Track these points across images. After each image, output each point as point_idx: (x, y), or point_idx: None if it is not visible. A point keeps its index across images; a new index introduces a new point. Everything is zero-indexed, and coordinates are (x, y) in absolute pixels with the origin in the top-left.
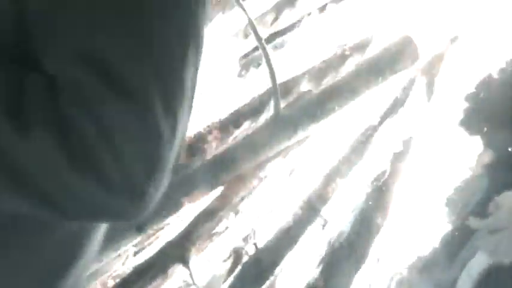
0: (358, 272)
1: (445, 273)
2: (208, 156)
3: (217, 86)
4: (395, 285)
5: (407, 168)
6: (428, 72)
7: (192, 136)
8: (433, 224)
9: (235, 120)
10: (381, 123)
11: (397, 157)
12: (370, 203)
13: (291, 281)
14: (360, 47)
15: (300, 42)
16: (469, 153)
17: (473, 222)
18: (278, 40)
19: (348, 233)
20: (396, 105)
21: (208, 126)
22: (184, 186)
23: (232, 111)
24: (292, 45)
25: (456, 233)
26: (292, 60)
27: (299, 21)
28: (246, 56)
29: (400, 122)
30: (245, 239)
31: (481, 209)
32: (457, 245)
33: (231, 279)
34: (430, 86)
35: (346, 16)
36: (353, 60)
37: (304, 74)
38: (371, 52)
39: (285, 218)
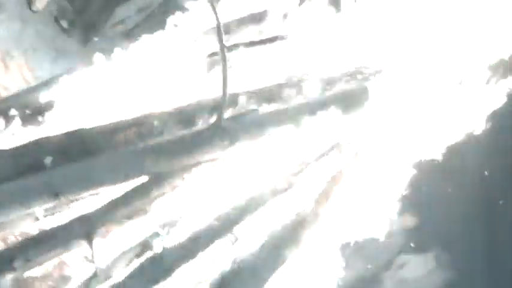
0: None
1: None
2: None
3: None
4: None
5: (329, 209)
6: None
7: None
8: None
9: (179, 115)
10: (314, 160)
11: (322, 196)
12: (284, 233)
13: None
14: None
15: (261, 59)
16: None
17: None
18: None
19: (254, 256)
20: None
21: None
22: (112, 166)
23: (179, 106)
24: (253, 60)
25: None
26: (246, 75)
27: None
28: (213, 54)
29: (331, 162)
30: (155, 235)
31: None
32: None
33: (131, 268)
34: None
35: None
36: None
37: (254, 92)
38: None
39: (199, 225)
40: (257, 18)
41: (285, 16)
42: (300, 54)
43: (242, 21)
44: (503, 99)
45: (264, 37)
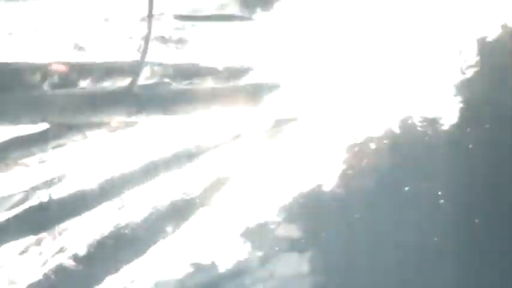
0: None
1: None
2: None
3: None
4: None
5: (220, 196)
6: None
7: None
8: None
9: (94, 71)
10: (214, 146)
11: (215, 183)
12: (169, 210)
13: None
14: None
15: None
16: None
17: None
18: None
19: (137, 225)
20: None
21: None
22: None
23: (96, 62)
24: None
25: None
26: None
27: None
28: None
29: (231, 151)
30: (44, 185)
31: None
32: None
33: (13, 212)
34: None
35: None
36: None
37: (173, 66)
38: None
39: (89, 184)
40: None
41: None
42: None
43: None
44: None
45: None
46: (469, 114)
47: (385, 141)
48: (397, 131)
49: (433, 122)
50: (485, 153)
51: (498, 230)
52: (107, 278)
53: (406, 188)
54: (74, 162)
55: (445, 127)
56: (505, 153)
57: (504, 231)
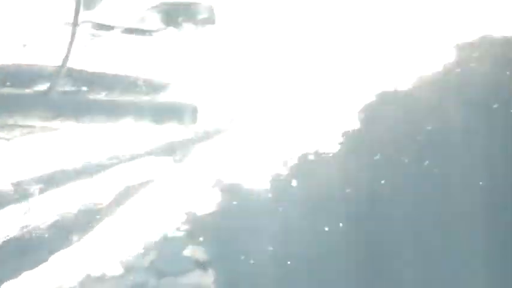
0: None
1: None
2: None
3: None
4: None
5: (128, 209)
6: None
7: None
8: None
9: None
10: (127, 159)
11: (122, 196)
12: (75, 219)
13: None
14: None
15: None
16: None
17: None
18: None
19: (43, 230)
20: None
21: None
22: None
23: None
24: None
25: None
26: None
27: None
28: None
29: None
30: None
31: None
32: None
33: None
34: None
35: None
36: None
37: (94, 75)
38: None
39: None
40: None
41: None
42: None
43: None
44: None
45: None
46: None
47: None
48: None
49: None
50: None
51: None
52: (5, 282)
53: None
54: None
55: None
56: None
57: None
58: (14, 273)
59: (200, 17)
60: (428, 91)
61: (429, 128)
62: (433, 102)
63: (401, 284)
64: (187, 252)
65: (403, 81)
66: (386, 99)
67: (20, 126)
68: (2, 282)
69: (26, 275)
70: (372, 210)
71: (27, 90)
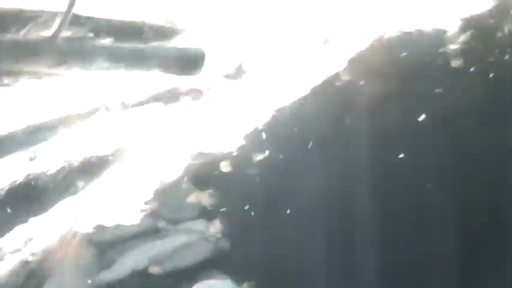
0: None
1: None
2: None
3: None
4: None
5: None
6: None
7: None
8: None
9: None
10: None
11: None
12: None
13: None
14: None
15: None
16: None
17: None
18: None
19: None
20: None
21: None
22: None
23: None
24: None
25: None
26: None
27: None
28: None
29: None
30: None
31: None
32: None
33: None
34: None
35: None
36: None
37: (99, 21)
38: None
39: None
40: None
41: None
42: None
43: None
44: None
45: None
46: None
47: None
48: None
49: None
50: None
51: None
52: (15, 227)
53: None
54: None
55: None
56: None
57: None
58: (21, 219)
59: None
60: None
61: None
62: None
63: None
64: (192, 198)
65: None
66: None
67: (25, 72)
68: (9, 228)
69: (32, 221)
70: None
71: (32, 36)
